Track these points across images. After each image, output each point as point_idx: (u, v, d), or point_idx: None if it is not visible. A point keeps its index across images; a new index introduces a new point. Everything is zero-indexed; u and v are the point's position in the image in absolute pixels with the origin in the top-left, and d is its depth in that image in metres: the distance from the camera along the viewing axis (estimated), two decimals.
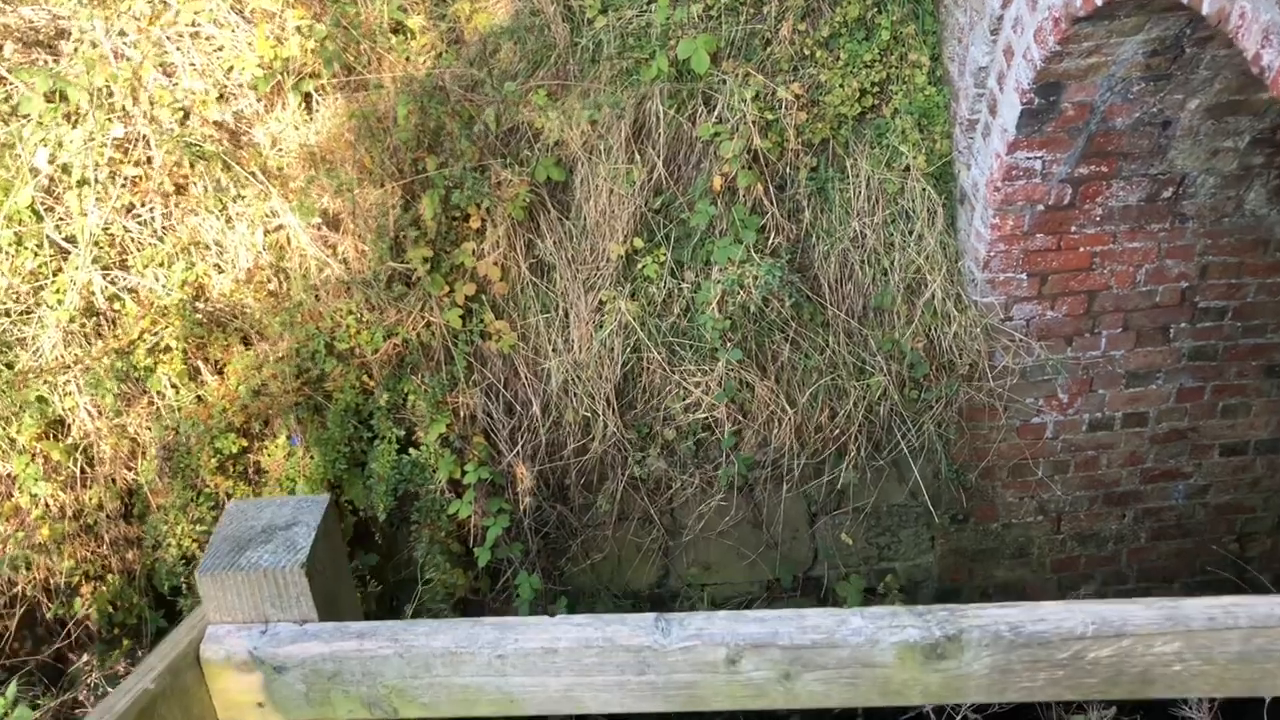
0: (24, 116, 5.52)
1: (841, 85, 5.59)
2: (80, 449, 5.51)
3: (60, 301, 5.45)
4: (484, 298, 5.69)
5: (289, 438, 5.50)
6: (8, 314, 5.47)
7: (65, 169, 5.50)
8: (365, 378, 5.63)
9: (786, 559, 6.09)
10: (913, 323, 5.67)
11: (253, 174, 5.64)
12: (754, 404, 5.68)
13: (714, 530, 5.97)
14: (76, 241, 5.48)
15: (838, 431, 5.74)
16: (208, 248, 5.66)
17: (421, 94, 5.65)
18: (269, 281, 5.67)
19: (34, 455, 5.41)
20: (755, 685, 1.94)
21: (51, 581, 5.45)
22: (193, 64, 5.71)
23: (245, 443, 5.53)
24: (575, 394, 5.68)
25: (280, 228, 5.69)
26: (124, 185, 5.56)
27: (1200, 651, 1.85)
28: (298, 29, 5.64)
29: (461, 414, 5.67)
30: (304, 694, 1.99)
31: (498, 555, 5.73)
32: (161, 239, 5.62)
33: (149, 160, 5.61)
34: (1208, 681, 1.87)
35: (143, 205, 5.62)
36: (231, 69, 5.73)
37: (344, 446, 5.56)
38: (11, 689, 2.98)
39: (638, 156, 5.62)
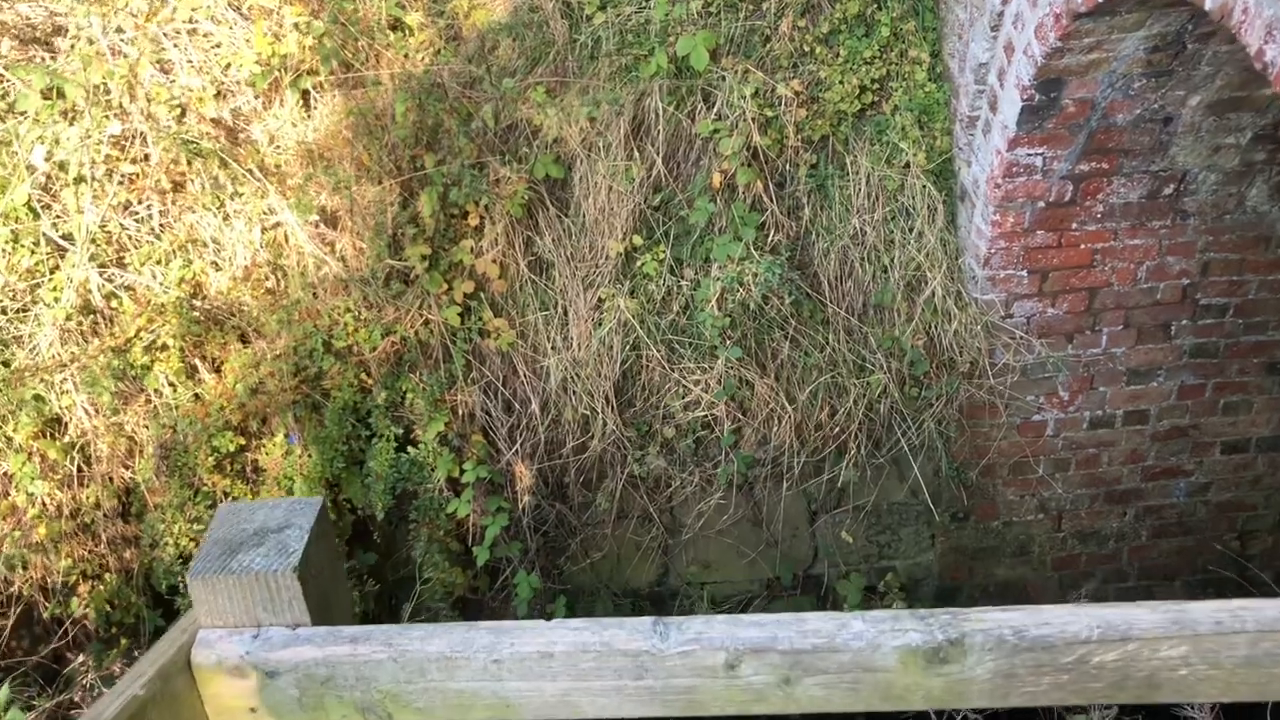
0: (21, 114, 5.50)
1: (841, 82, 5.57)
2: (77, 447, 5.49)
3: (57, 299, 5.43)
4: (482, 295, 5.66)
5: (287, 436, 5.49)
6: (4, 312, 5.45)
7: (62, 166, 5.47)
8: (363, 376, 5.61)
9: (786, 557, 6.07)
10: (913, 320, 5.64)
11: (250, 171, 5.61)
12: (754, 402, 5.66)
13: (714, 528, 5.95)
14: (73, 239, 5.46)
15: (838, 429, 5.72)
16: (205, 245, 5.64)
17: (420, 91, 5.62)
18: (266, 279, 5.66)
19: (31, 454, 5.40)
20: (755, 690, 1.91)
21: (49, 581, 5.43)
22: (190, 61, 5.69)
23: (243, 441, 5.51)
24: (574, 392, 5.66)
25: (278, 225, 5.67)
26: (121, 183, 5.53)
27: (1207, 656, 1.82)
28: (295, 26, 5.61)
29: (460, 412, 5.65)
30: (297, 699, 1.97)
31: (496, 554, 5.72)
32: (159, 236, 5.60)
33: (146, 157, 5.59)
34: (1215, 686, 1.84)
35: (140, 203, 5.60)
36: (229, 66, 5.71)
37: (342, 445, 5.54)
38: (4, 691, 2.95)
39: (637, 153, 5.59)
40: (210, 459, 5.42)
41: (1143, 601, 1.87)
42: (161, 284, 5.52)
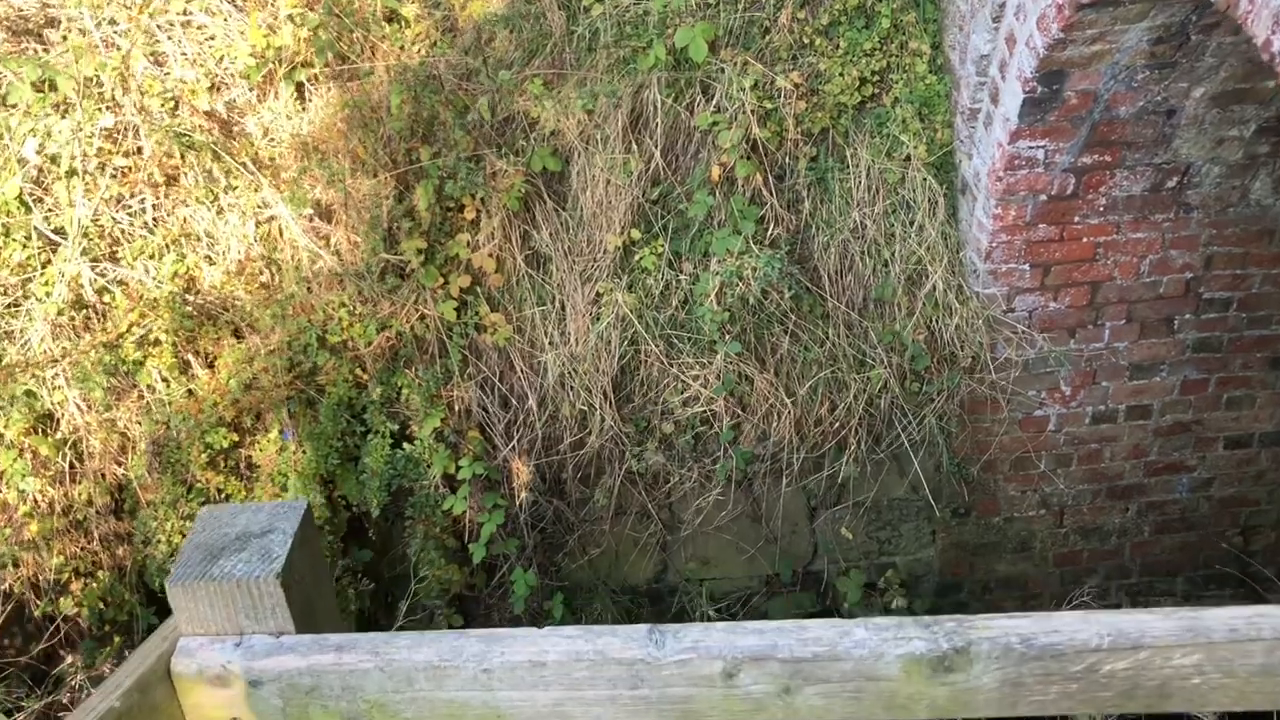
0: (12, 106, 5.45)
1: (841, 74, 5.52)
2: (69, 444, 5.44)
3: (49, 294, 5.38)
4: (479, 290, 5.62)
5: (281, 432, 5.44)
6: None
7: (54, 159, 5.42)
8: (358, 371, 5.56)
9: (786, 554, 6.04)
10: (914, 314, 5.60)
11: (244, 165, 5.56)
12: (753, 397, 5.62)
13: (712, 525, 5.92)
14: (65, 233, 5.41)
15: (838, 425, 5.68)
16: (198, 239, 5.59)
17: (415, 83, 5.57)
18: (260, 273, 5.61)
19: (22, 450, 5.35)
20: (754, 700, 1.86)
21: (40, 578, 5.39)
22: (184, 53, 5.64)
23: (236, 437, 5.46)
24: (572, 387, 5.62)
25: (272, 219, 5.62)
26: (114, 176, 5.49)
27: (1221, 664, 1.77)
28: (290, 17, 5.57)
29: (456, 408, 5.61)
30: (281, 709, 1.92)
31: (493, 551, 5.68)
32: (152, 230, 5.55)
33: (139, 150, 5.54)
34: (1228, 695, 1.80)
35: (132, 196, 5.55)
36: (223, 58, 5.66)
37: (337, 441, 5.49)
38: None
39: (635, 146, 5.55)
40: (203, 455, 5.37)
41: (1154, 608, 1.82)
42: (154, 278, 5.47)
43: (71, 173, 5.40)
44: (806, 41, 5.57)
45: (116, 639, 5.49)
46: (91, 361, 5.32)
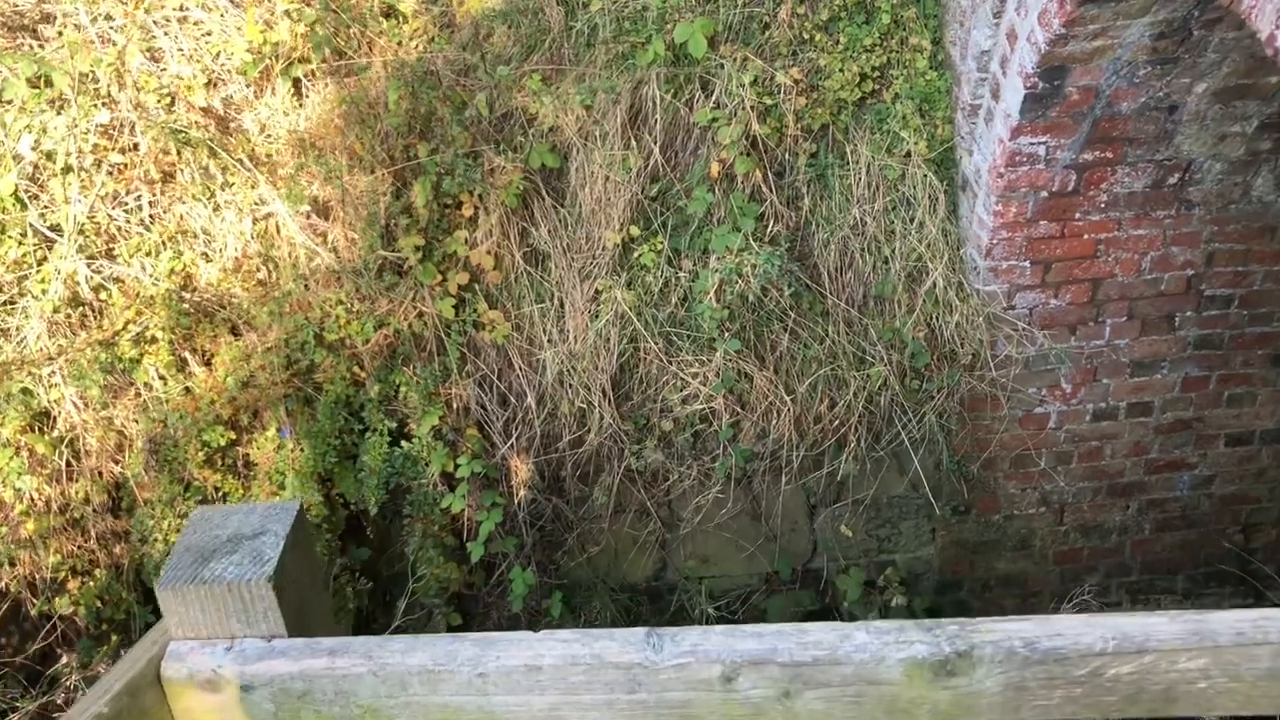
0: (7, 102, 5.42)
1: (841, 70, 5.49)
2: (66, 442, 5.42)
3: (44, 291, 5.35)
4: (477, 287, 5.59)
5: (279, 430, 5.42)
6: None
7: (49, 156, 5.40)
8: (356, 369, 5.54)
9: (785, 551, 6.02)
10: (914, 312, 5.58)
11: (241, 161, 5.54)
12: (752, 395, 5.59)
13: (712, 522, 5.90)
14: (61, 230, 5.38)
15: (837, 422, 5.66)
16: (195, 236, 5.56)
17: (413, 79, 5.55)
18: (257, 270, 5.58)
19: (18, 448, 5.32)
20: (753, 704, 1.84)
21: (37, 577, 5.37)
22: (180, 49, 5.62)
23: (233, 435, 5.45)
24: (571, 385, 5.60)
25: (269, 216, 5.59)
26: (110, 173, 5.46)
27: (1227, 668, 1.75)
28: (287, 13, 5.54)
29: (454, 406, 5.59)
30: (273, 714, 1.89)
31: (492, 549, 5.66)
32: (148, 227, 5.52)
33: (135, 147, 5.51)
34: (1234, 699, 1.77)
35: (128, 193, 5.52)
36: (220, 54, 5.63)
37: (335, 439, 5.47)
38: None
39: (634, 143, 5.52)
40: (200, 454, 5.35)
41: (1159, 611, 1.80)
42: (151, 276, 5.44)
43: (67, 169, 5.37)
44: (806, 37, 5.54)
45: (114, 637, 5.47)
46: (88, 359, 5.30)
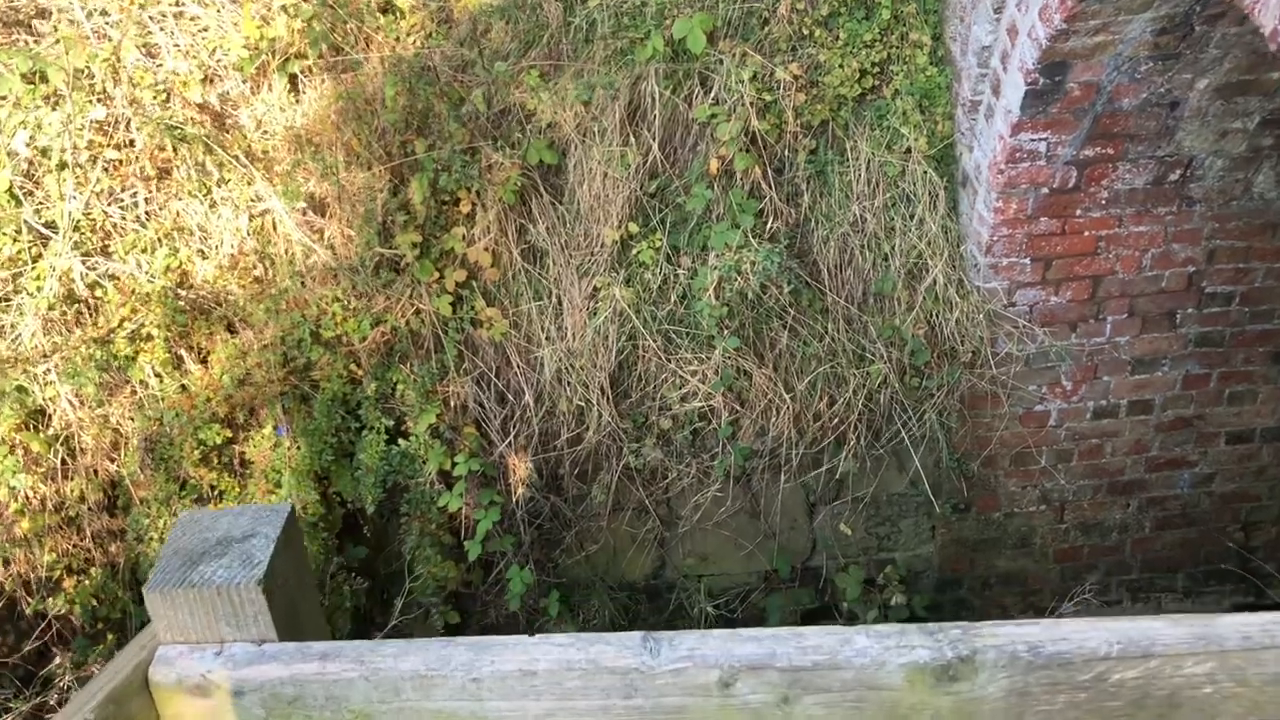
0: (2, 98, 5.39)
1: (841, 65, 5.46)
2: (61, 440, 5.40)
3: (39, 288, 5.33)
4: (475, 284, 5.57)
5: (275, 428, 5.39)
6: None
7: (44, 152, 5.37)
8: (353, 366, 5.51)
9: (784, 549, 6.00)
10: (914, 309, 5.56)
11: (237, 158, 5.51)
12: (751, 392, 5.57)
13: (711, 521, 5.87)
14: (56, 227, 5.36)
15: (837, 420, 5.64)
16: (191, 233, 5.54)
17: (410, 75, 5.52)
18: (254, 267, 5.56)
19: (13, 446, 5.29)
20: (751, 710, 1.81)
21: (32, 576, 5.34)
22: (176, 45, 5.59)
23: (230, 434, 5.42)
24: (569, 383, 5.57)
25: (265, 212, 5.57)
26: (105, 169, 5.43)
27: (1234, 673, 1.72)
28: (284, 8, 5.51)
29: (452, 404, 5.56)
30: (263, 719, 1.86)
31: (490, 548, 5.64)
32: (144, 224, 5.49)
33: (131, 143, 5.48)
34: (1241, 705, 1.75)
35: (124, 190, 5.49)
36: (216, 50, 5.61)
37: (331, 437, 5.45)
38: None
39: (633, 139, 5.49)
40: (196, 452, 5.32)
41: (1164, 615, 1.77)
42: (147, 273, 5.42)
43: (62, 165, 5.34)
44: (806, 32, 5.52)
45: (110, 636, 5.45)
46: (83, 357, 5.27)
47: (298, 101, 5.67)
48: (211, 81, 5.63)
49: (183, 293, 5.45)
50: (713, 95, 5.47)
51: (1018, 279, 5.49)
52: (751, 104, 5.37)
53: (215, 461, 5.42)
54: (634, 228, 5.51)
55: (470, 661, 1.82)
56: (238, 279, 5.51)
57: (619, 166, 5.43)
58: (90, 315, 5.41)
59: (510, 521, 5.69)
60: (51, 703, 4.78)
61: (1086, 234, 5.36)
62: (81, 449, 5.40)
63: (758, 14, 5.54)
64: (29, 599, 5.36)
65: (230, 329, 5.52)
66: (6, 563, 5.26)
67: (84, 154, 5.39)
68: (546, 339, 5.56)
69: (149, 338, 5.38)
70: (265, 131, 5.62)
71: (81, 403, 5.36)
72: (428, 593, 5.59)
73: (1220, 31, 4.39)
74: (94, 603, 5.42)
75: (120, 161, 5.46)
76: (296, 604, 1.94)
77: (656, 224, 5.55)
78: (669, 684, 1.80)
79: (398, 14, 5.73)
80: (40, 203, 5.41)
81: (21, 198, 5.37)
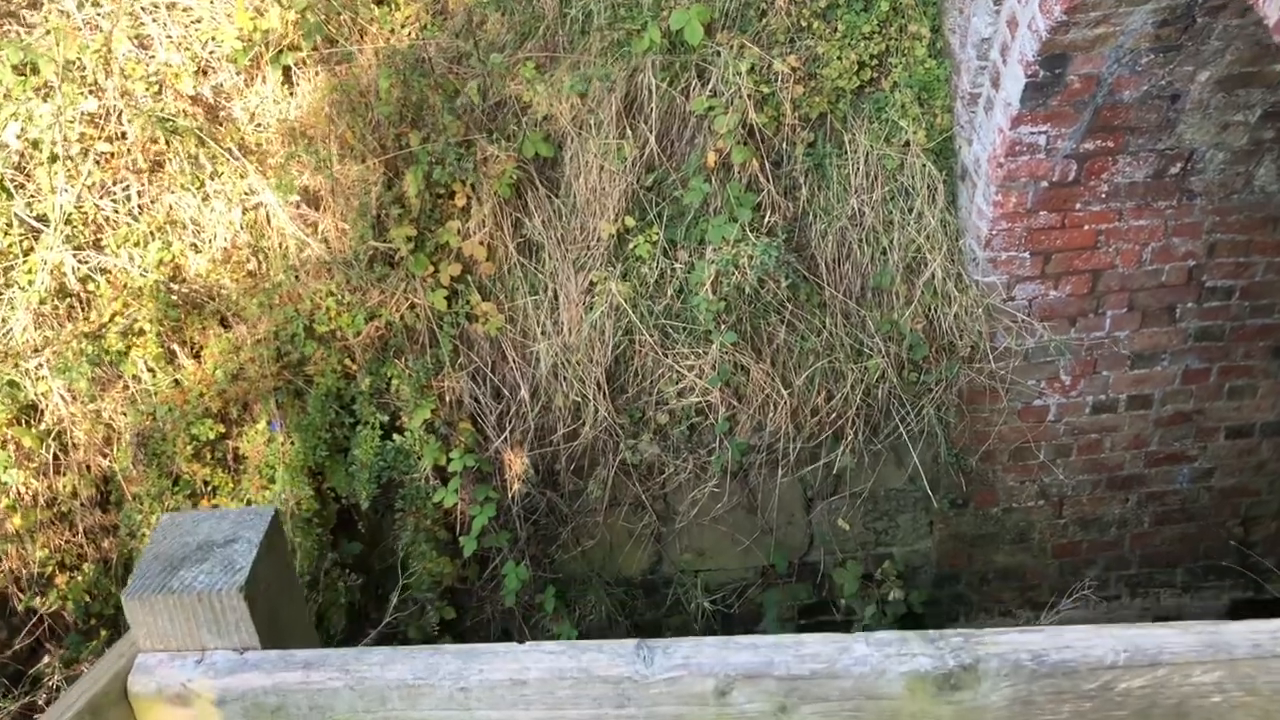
0: None
1: (839, 58, 5.43)
2: (53, 435, 5.36)
3: (31, 282, 5.29)
4: (470, 278, 5.53)
5: (269, 423, 5.36)
6: None
7: (35, 144, 5.33)
8: (347, 361, 5.48)
9: (782, 545, 5.97)
10: (912, 303, 5.53)
11: (230, 150, 5.47)
12: (749, 387, 5.54)
13: (708, 516, 5.85)
14: (48, 220, 5.31)
15: (835, 415, 5.61)
16: (184, 227, 5.50)
17: (404, 67, 5.47)
18: (247, 261, 5.52)
19: (4, 442, 5.26)
20: (748, 719, 1.77)
21: (25, 572, 5.31)
22: (169, 36, 5.55)
23: (223, 429, 5.39)
24: (565, 378, 5.54)
25: (259, 206, 5.53)
26: (97, 162, 5.39)
27: (1244, 681, 1.68)
28: (278, 0, 5.46)
29: (447, 399, 5.53)
30: None
31: (485, 544, 5.61)
32: (136, 218, 5.45)
33: (123, 135, 5.44)
34: (1250, 714, 1.71)
35: (116, 182, 5.45)
36: (209, 41, 5.56)
37: (325, 432, 5.41)
38: None
39: (629, 131, 5.46)
40: (189, 447, 5.29)
41: (1172, 623, 1.73)
42: (139, 267, 5.38)
43: (54, 158, 5.30)
44: (804, 24, 5.48)
45: (103, 632, 5.42)
46: (75, 351, 5.23)
47: (291, 94, 5.62)
48: (204, 73, 5.58)
49: (175, 287, 5.40)
50: (710, 87, 5.43)
51: (1017, 273, 5.45)
52: (749, 96, 5.33)
53: (208, 457, 5.39)
54: (630, 221, 5.47)
55: (459, 670, 1.78)
56: (231, 273, 5.47)
57: (615, 159, 5.39)
58: (82, 309, 5.37)
59: (506, 517, 5.66)
60: (40, 703, 4.75)
61: (1086, 228, 5.33)
62: (73, 444, 5.36)
63: (755, 5, 5.50)
64: (20, 595, 5.33)
65: (223, 323, 5.49)
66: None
67: (75, 146, 5.34)
68: (542, 333, 5.53)
69: (141, 332, 5.34)
70: (259, 124, 5.58)
71: (73, 397, 5.32)
72: (423, 588, 5.56)
73: (1222, 23, 4.35)
74: (86, 599, 5.39)
75: (112, 154, 5.42)
76: (280, 610, 1.90)
77: (653, 217, 5.52)
78: (663, 693, 1.76)
79: (392, 5, 5.69)
80: (31, 196, 5.37)
81: (12, 191, 5.33)
